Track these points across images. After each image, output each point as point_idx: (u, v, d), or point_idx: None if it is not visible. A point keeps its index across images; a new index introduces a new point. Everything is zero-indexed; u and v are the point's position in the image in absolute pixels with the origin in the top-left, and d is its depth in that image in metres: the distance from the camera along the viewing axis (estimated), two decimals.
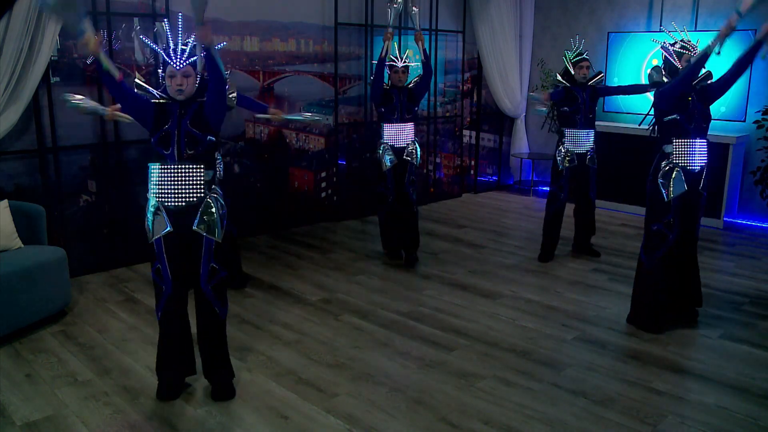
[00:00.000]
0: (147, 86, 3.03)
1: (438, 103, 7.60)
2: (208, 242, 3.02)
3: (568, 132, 5.23)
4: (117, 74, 2.82)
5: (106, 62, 2.81)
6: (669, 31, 3.93)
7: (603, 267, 5.21)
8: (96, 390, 3.21)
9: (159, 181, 2.95)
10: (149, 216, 2.98)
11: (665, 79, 3.82)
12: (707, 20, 6.69)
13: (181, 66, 2.90)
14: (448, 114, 7.84)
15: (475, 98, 8.05)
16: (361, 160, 6.86)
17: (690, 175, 3.84)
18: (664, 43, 3.85)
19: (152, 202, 2.98)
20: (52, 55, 4.51)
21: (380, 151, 5.10)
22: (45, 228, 4.20)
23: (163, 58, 2.92)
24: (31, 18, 4.18)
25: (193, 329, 3.22)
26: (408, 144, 5.12)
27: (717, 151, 6.28)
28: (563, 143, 5.24)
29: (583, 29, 7.67)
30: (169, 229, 2.96)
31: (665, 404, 3.13)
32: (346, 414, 3.02)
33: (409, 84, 5.13)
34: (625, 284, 4.61)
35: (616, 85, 6.12)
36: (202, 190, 2.97)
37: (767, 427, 2.96)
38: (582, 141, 5.23)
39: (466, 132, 8.06)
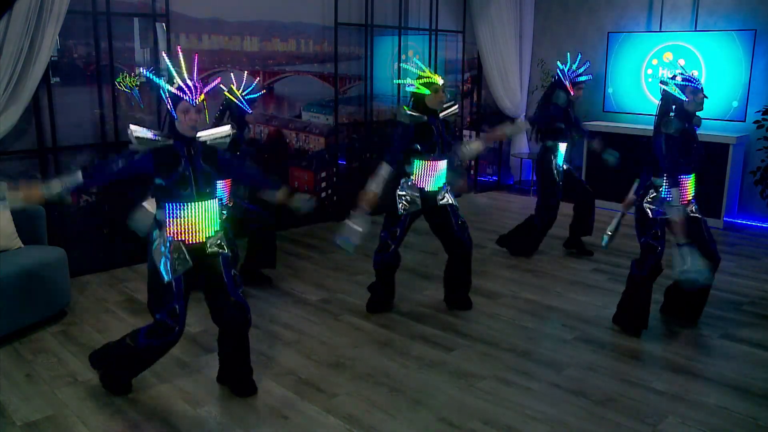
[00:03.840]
0: (144, 135, 2.86)
1: None
2: (225, 257, 3.04)
3: (561, 145, 5.29)
4: (69, 198, 2.90)
5: (58, 191, 2.83)
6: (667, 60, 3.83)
7: (603, 267, 5.21)
8: (96, 390, 3.21)
9: (177, 220, 2.91)
10: (166, 255, 2.88)
11: (672, 127, 3.67)
12: (707, 20, 6.69)
13: (196, 102, 2.84)
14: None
15: (475, 98, 8.05)
16: (361, 160, 6.86)
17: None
18: (662, 80, 3.78)
19: (165, 242, 2.90)
20: (52, 55, 4.51)
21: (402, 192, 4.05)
22: (45, 228, 4.20)
23: (174, 94, 2.82)
24: (31, 18, 4.18)
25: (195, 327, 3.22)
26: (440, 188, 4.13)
27: (717, 151, 6.29)
28: (555, 156, 5.28)
29: (583, 29, 7.67)
30: (189, 265, 2.93)
31: (665, 404, 3.13)
32: (346, 414, 3.02)
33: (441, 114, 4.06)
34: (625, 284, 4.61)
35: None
36: (218, 224, 3.03)
37: (767, 427, 2.96)
38: (568, 152, 5.38)
39: (466, 132, 8.06)
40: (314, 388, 3.26)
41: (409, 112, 3.94)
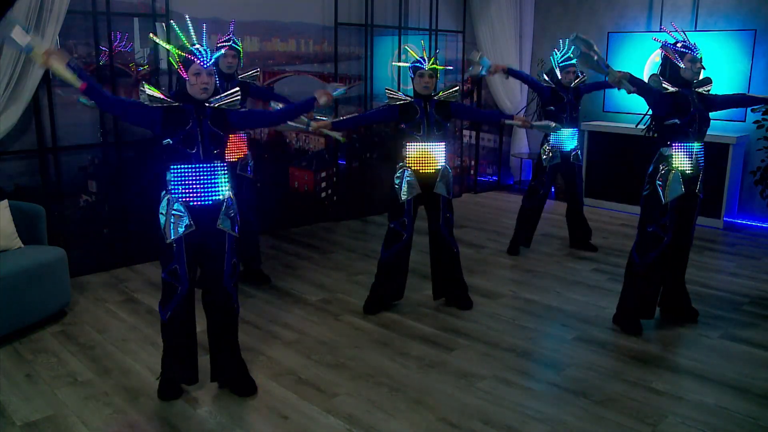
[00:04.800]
0: (156, 94, 2.91)
1: None
2: (231, 239, 3.05)
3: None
4: (78, 84, 2.81)
5: (65, 74, 2.80)
6: (670, 31, 3.92)
7: (603, 267, 5.21)
8: (96, 390, 3.21)
9: (184, 180, 2.95)
10: (168, 215, 2.95)
11: (665, 85, 3.78)
12: (707, 20, 6.69)
13: (208, 65, 2.90)
14: None
15: (475, 98, 8.05)
16: (361, 160, 6.86)
17: (687, 178, 3.83)
18: (665, 42, 3.85)
19: (172, 202, 2.95)
20: None
21: (398, 177, 4.11)
22: (45, 228, 4.20)
23: (185, 58, 2.88)
24: (31, 18, 4.18)
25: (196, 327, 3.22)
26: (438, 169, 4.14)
27: (717, 151, 6.29)
28: (548, 141, 5.40)
29: (583, 29, 7.66)
30: (192, 228, 2.96)
31: (665, 404, 3.13)
32: (346, 414, 3.02)
33: (439, 94, 4.11)
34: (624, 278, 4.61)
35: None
36: (226, 187, 3.03)
37: (767, 427, 2.96)
38: (567, 139, 5.38)
39: (466, 132, 8.06)
40: (314, 388, 3.26)
41: (389, 94, 4.09)
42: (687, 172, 3.81)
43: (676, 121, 3.78)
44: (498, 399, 3.17)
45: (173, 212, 2.94)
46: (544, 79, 5.33)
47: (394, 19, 6.94)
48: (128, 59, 5.04)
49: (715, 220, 6.42)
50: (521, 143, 8.28)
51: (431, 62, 4.00)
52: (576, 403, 3.13)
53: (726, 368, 3.50)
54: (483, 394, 3.21)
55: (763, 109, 6.05)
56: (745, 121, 6.38)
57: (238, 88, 3.10)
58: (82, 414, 3.01)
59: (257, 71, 4.85)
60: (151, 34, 3.36)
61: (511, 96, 7.92)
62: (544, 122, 4.65)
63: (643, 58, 7.07)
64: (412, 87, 4.11)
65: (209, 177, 2.97)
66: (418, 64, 4.01)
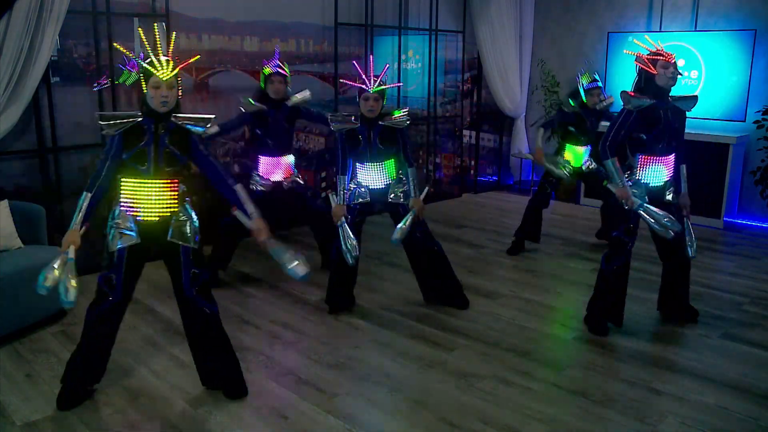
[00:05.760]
0: (109, 120, 2.87)
1: (438, 103, 7.60)
2: (185, 250, 3.02)
3: (569, 147, 5.43)
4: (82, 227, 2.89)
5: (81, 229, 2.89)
6: (642, 43, 3.81)
7: None
8: (96, 390, 3.21)
9: (132, 195, 2.96)
10: (113, 226, 2.96)
11: (636, 100, 3.64)
12: (707, 20, 6.69)
13: (166, 78, 2.83)
14: (448, 114, 7.85)
15: (475, 98, 8.05)
16: None
17: (652, 190, 3.80)
18: (637, 53, 3.77)
19: (119, 213, 2.97)
20: (52, 55, 4.51)
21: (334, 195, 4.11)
22: (45, 228, 4.20)
23: (145, 69, 2.83)
24: (31, 18, 4.18)
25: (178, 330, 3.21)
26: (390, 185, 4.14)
27: (717, 151, 6.29)
28: (562, 154, 5.45)
29: (583, 29, 7.67)
30: (136, 240, 2.95)
31: (665, 404, 3.13)
32: (346, 414, 3.02)
33: (387, 117, 3.98)
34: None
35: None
36: (176, 204, 3.00)
37: (767, 427, 2.96)
38: (579, 156, 5.45)
39: (466, 132, 8.06)
40: (314, 388, 3.26)
41: (332, 118, 4.04)
42: (650, 184, 3.78)
43: (642, 136, 3.72)
44: (498, 399, 3.16)
45: (117, 224, 2.95)
46: (569, 103, 5.35)
47: (394, 19, 6.94)
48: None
49: (715, 220, 6.42)
50: (521, 143, 8.28)
51: (377, 84, 3.89)
52: (576, 403, 3.13)
53: (726, 368, 3.50)
54: (483, 394, 3.21)
55: (763, 109, 6.05)
56: (745, 121, 6.37)
57: (212, 116, 3.04)
58: (82, 414, 3.00)
59: (308, 94, 4.79)
60: (139, 29, 3.23)
61: (511, 96, 7.91)
62: (559, 170, 5.04)
63: None
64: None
65: (158, 194, 2.96)
66: (362, 86, 3.91)
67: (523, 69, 7.99)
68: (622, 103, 3.67)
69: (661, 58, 3.64)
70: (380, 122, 3.97)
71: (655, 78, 3.66)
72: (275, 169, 4.78)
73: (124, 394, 3.18)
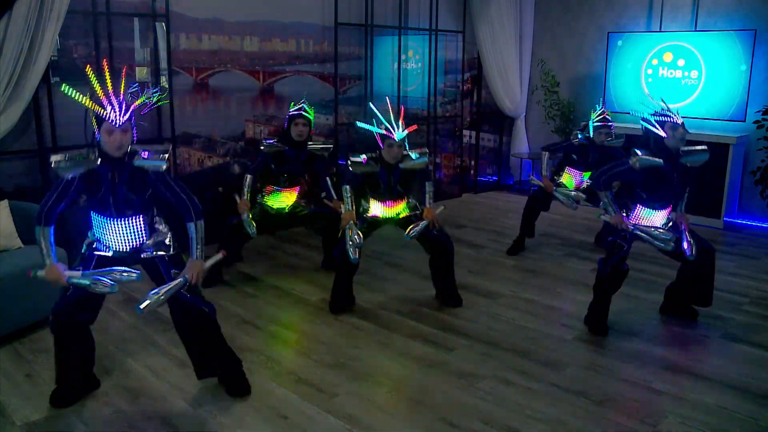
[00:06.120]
0: (65, 165, 2.81)
1: (438, 103, 7.60)
2: (161, 258, 3.04)
3: (569, 170, 5.50)
4: (52, 262, 2.91)
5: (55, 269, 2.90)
6: (652, 114, 3.82)
7: None
8: (96, 390, 3.21)
9: (100, 230, 3.00)
10: (85, 247, 3.05)
11: (645, 159, 3.68)
12: (707, 20, 6.69)
13: (122, 123, 2.76)
14: (448, 114, 7.85)
15: (475, 98, 8.05)
16: None
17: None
18: (643, 117, 3.81)
19: (92, 239, 3.04)
20: (52, 55, 4.51)
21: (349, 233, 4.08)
22: None
23: (97, 114, 2.74)
24: (31, 18, 4.18)
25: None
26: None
27: (717, 151, 6.27)
28: (560, 174, 5.54)
29: (583, 29, 7.67)
30: (108, 253, 3.02)
31: (665, 404, 3.13)
32: (346, 414, 3.02)
33: (407, 160, 4.08)
34: (625, 284, 4.61)
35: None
36: (144, 234, 3.03)
37: (767, 427, 2.96)
38: (578, 180, 5.50)
39: (466, 132, 8.06)
40: (314, 388, 3.26)
41: (352, 160, 4.06)
42: (642, 222, 3.88)
43: (642, 194, 3.81)
44: (498, 399, 3.16)
45: (93, 248, 3.03)
46: (576, 135, 5.41)
47: (394, 19, 6.94)
48: (130, 58, 5.04)
49: (715, 220, 6.42)
50: (521, 143, 8.28)
51: (401, 130, 3.94)
52: (576, 403, 3.13)
53: (726, 368, 3.50)
54: (483, 394, 3.21)
55: (763, 109, 6.06)
56: (745, 121, 6.37)
57: (168, 147, 3.03)
58: (82, 414, 3.00)
59: (330, 147, 4.95)
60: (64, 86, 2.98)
61: (511, 96, 7.92)
62: (568, 201, 5.20)
63: (642, 58, 7.07)
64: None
65: (123, 230, 2.99)
66: (387, 135, 3.95)
67: (523, 69, 8.00)
68: (630, 159, 3.69)
69: (669, 120, 3.67)
70: (400, 165, 4.06)
71: (664, 140, 3.69)
72: (279, 199, 4.90)
73: (124, 394, 3.18)
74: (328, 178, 4.90)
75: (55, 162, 2.79)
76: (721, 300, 4.46)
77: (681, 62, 6.76)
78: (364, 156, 4.08)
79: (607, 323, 3.95)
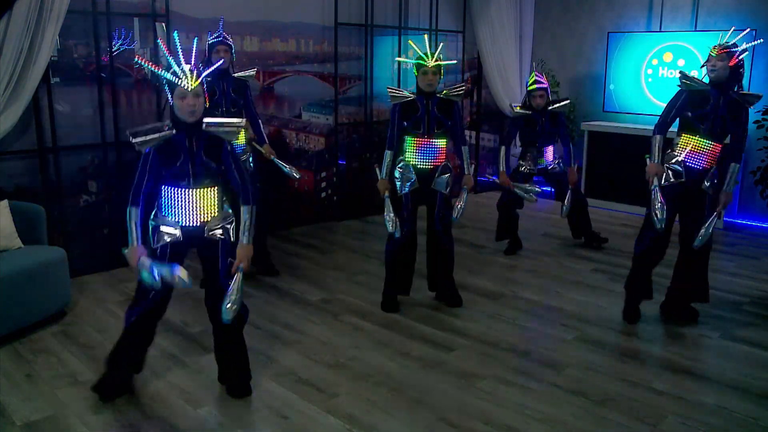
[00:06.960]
0: (142, 139, 2.88)
1: None
2: (225, 243, 3.04)
3: (526, 149, 5.57)
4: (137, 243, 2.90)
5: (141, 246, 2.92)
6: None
7: (603, 267, 5.21)
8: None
9: (173, 204, 2.97)
10: (154, 226, 3.00)
11: (687, 81, 3.87)
12: (707, 20, 6.69)
13: (192, 87, 2.80)
14: None
15: (475, 98, 8.05)
16: (361, 160, 6.86)
17: (691, 173, 3.83)
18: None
19: (161, 218, 3.00)
20: (52, 55, 4.50)
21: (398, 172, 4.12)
22: (45, 228, 4.19)
23: (170, 80, 2.80)
24: (31, 18, 4.18)
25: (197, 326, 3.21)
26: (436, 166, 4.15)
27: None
28: (524, 156, 5.59)
29: (583, 29, 7.67)
30: (178, 237, 2.98)
31: (665, 404, 3.13)
32: (346, 414, 3.02)
33: (443, 92, 4.13)
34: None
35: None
36: (216, 209, 3.03)
37: (767, 427, 2.96)
38: (541, 156, 5.53)
39: (466, 132, 8.06)
40: (314, 388, 3.26)
41: (391, 93, 4.11)
42: (688, 163, 3.84)
43: (688, 113, 3.87)
44: (498, 399, 3.17)
45: (157, 227, 2.99)
46: (517, 110, 5.40)
47: (394, 19, 6.93)
48: (130, 58, 5.04)
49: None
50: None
51: (434, 59, 4.00)
52: (576, 403, 3.13)
53: (726, 368, 3.50)
54: (483, 394, 3.21)
55: (763, 109, 6.05)
56: None
57: (242, 120, 3.06)
58: (82, 414, 3.00)
59: (254, 70, 4.83)
60: (159, 38, 3.19)
61: (512, 96, 7.91)
62: (527, 192, 5.12)
63: (642, 58, 7.07)
64: (415, 86, 4.14)
65: (199, 203, 2.97)
66: (421, 62, 4.01)
67: (523, 69, 7.99)
68: (680, 81, 3.88)
69: (710, 54, 3.84)
70: (437, 95, 4.07)
71: (708, 76, 3.87)
72: None
73: (124, 395, 3.18)
74: (260, 122, 4.76)
75: (132, 136, 2.85)
76: (721, 300, 4.47)
77: (681, 62, 6.75)
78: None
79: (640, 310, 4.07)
